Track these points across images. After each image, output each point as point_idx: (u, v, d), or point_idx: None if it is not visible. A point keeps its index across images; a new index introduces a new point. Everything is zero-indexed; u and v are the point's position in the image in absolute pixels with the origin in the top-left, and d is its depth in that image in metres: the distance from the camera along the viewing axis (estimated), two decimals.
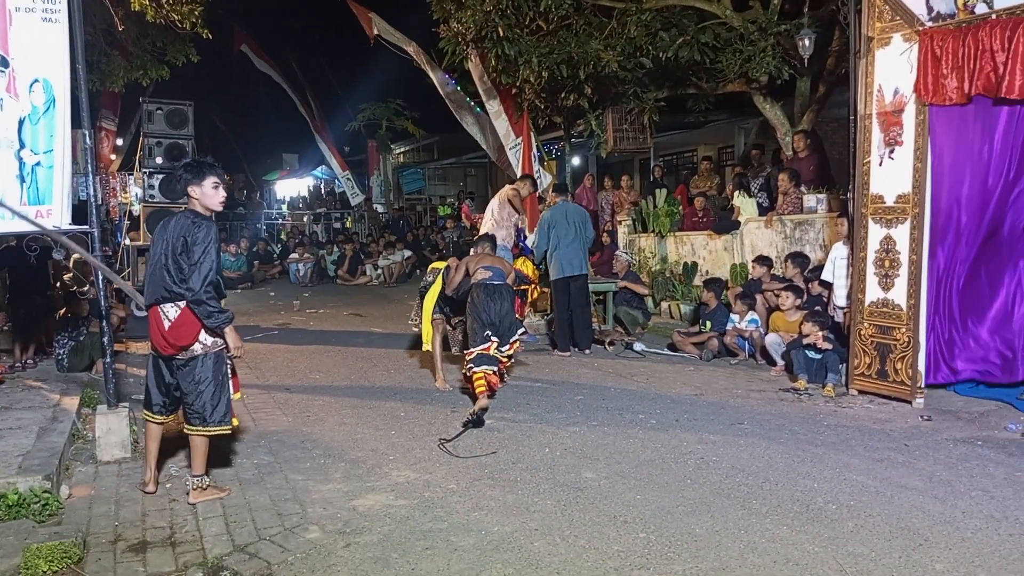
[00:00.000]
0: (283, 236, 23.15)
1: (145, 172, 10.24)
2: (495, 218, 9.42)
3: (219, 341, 4.23)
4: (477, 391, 6.18)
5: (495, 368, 6.29)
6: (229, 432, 4.41)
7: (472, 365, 6.21)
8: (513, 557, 3.54)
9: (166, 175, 10.10)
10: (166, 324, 4.12)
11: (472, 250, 7.16)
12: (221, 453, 5.11)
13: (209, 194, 4.18)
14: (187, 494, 4.28)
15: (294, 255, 18.51)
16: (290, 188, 31.96)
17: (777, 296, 7.73)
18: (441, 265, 7.12)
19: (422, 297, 7.02)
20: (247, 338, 9.82)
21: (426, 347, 6.97)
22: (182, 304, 4.09)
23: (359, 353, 8.76)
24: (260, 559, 3.58)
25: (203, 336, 4.16)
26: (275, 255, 19.95)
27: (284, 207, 28.63)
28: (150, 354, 4.35)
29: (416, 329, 7.30)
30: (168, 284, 4.09)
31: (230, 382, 4.35)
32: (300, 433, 5.58)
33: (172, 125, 10.20)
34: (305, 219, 25.15)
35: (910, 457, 4.86)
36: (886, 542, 3.64)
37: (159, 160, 10.07)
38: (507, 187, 9.79)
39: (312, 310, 12.82)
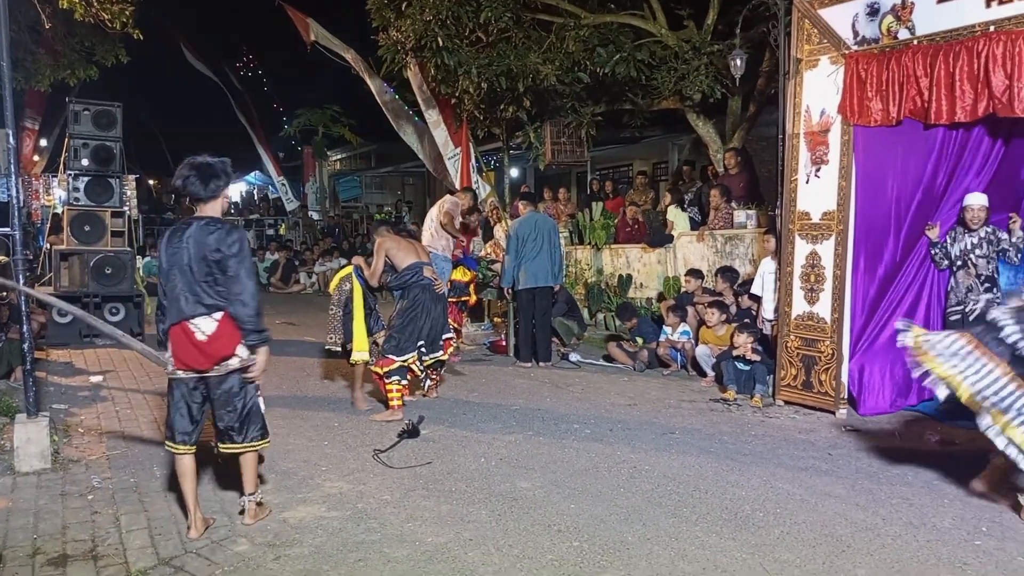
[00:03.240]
0: None
1: (70, 174, 9.89)
2: (434, 229, 9.37)
3: (252, 355, 3.92)
4: (392, 403, 6.16)
5: (407, 381, 6.30)
6: (268, 446, 4.10)
7: (391, 375, 6.17)
8: (447, 568, 3.53)
9: (93, 177, 9.78)
10: (201, 337, 3.78)
11: (378, 237, 6.66)
12: (146, 463, 4.97)
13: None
14: (240, 513, 4.02)
15: None
16: None
17: (706, 308, 7.90)
18: (348, 271, 6.65)
19: (346, 313, 6.49)
20: None
21: (360, 359, 6.41)
22: (218, 315, 3.79)
23: (292, 362, 8.62)
24: (186, 572, 3.48)
25: (240, 348, 3.86)
26: None
27: None
28: (173, 380, 3.91)
29: (337, 349, 6.64)
30: (202, 297, 3.77)
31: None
32: None
33: (99, 127, 9.85)
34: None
35: (834, 466, 5.02)
36: (810, 548, 3.75)
37: (85, 162, 9.74)
38: (448, 198, 9.73)
39: None
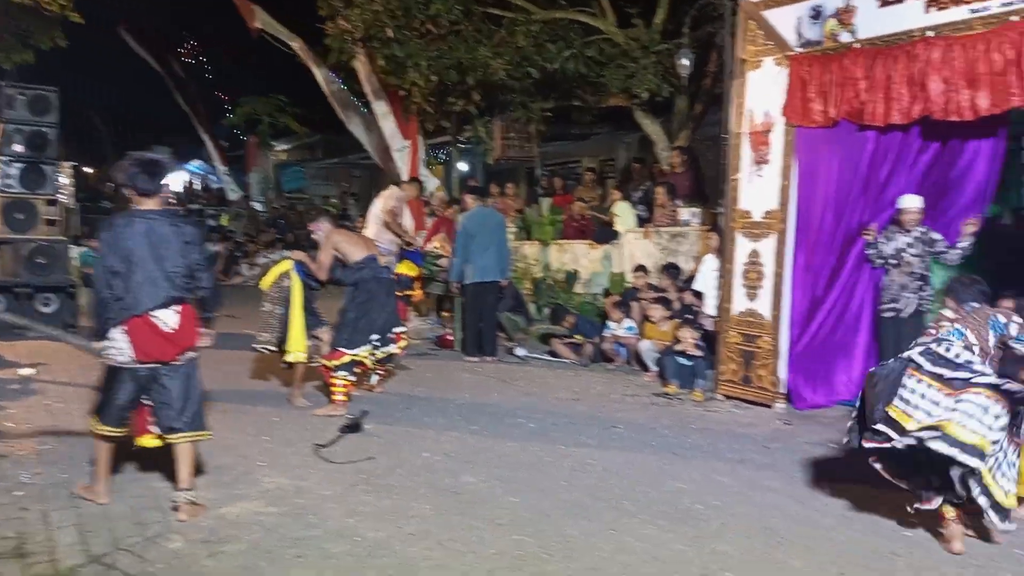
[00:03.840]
0: None
1: (3, 161, 9.54)
2: (379, 223, 9.28)
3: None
4: (336, 398, 6.07)
5: (354, 377, 6.22)
6: (209, 437, 4.22)
7: (340, 370, 6.07)
8: (387, 563, 3.49)
9: (27, 164, 9.45)
10: (168, 329, 3.91)
11: (318, 228, 6.43)
12: (77, 459, 4.81)
13: None
14: (174, 510, 3.96)
15: None
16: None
17: (650, 304, 7.99)
18: (286, 266, 6.33)
19: (284, 308, 6.20)
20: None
21: (298, 357, 6.20)
22: (178, 308, 3.94)
23: (231, 356, 8.39)
24: (117, 570, 3.39)
25: (200, 337, 4.09)
26: None
27: None
28: (121, 368, 3.93)
29: (273, 349, 6.31)
30: (168, 289, 3.90)
31: None
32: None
33: (35, 112, 9.52)
34: None
35: (771, 459, 5.12)
36: (747, 540, 3.81)
37: (18, 148, 9.41)
38: (393, 191, 9.66)
39: None
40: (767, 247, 6.36)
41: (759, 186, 6.40)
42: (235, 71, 25.89)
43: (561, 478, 4.67)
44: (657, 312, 7.73)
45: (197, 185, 27.73)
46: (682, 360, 7.01)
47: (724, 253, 6.75)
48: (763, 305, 6.40)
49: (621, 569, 3.47)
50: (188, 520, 3.90)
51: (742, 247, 6.55)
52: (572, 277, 10.76)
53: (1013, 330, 3.73)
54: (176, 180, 29.23)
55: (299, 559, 3.51)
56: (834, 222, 6.26)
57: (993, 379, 3.55)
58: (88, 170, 26.56)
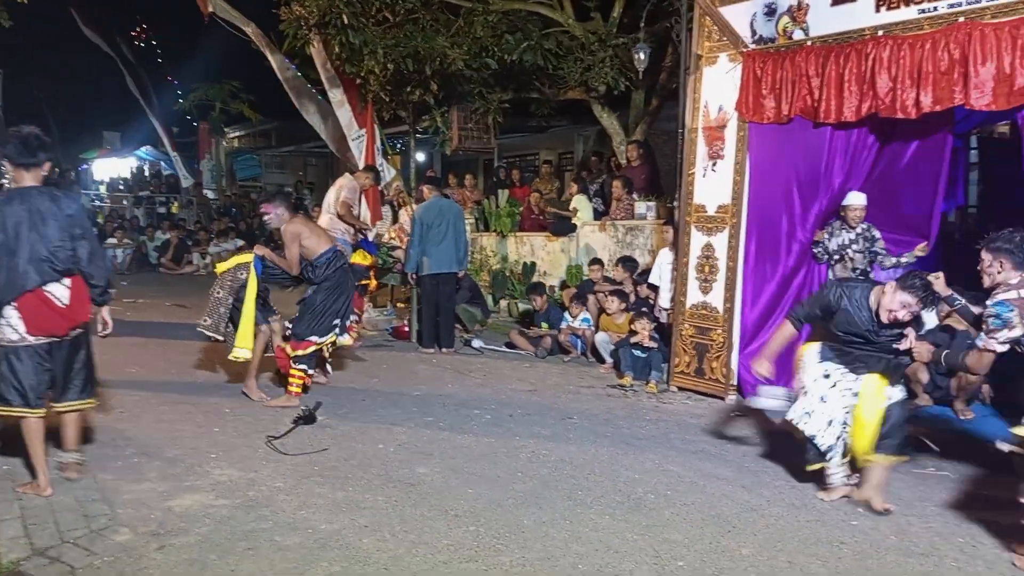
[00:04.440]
0: (100, 219, 21.49)
1: None
2: (333, 213, 9.16)
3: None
4: (291, 389, 5.99)
5: (313, 371, 6.17)
6: (96, 404, 4.47)
7: (303, 360, 5.97)
8: (340, 555, 3.47)
9: None
10: (60, 304, 4.00)
11: (272, 210, 6.19)
12: (19, 450, 4.68)
13: None
14: (62, 469, 4.20)
15: (112, 240, 17.22)
16: (110, 169, 29.76)
17: (606, 297, 8.05)
18: (247, 258, 6.12)
19: (238, 298, 6.02)
20: None
21: (244, 355, 5.95)
22: (68, 282, 4.00)
23: (182, 346, 8.27)
24: (62, 563, 3.31)
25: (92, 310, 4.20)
26: None
27: (102, 188, 26.60)
28: (23, 346, 3.96)
29: (218, 337, 6.10)
30: (56, 264, 3.95)
31: None
32: (111, 430, 5.19)
33: None
34: (125, 202, 23.45)
35: (722, 450, 5.20)
36: (698, 529, 3.87)
37: None
38: (348, 181, 9.53)
39: (130, 300, 11.95)
40: (720, 241, 6.45)
41: (713, 181, 6.48)
42: (187, 55, 25.31)
43: (516, 469, 4.69)
44: (613, 304, 7.80)
45: (147, 172, 27.11)
46: (637, 352, 7.08)
47: (678, 247, 6.82)
48: (716, 298, 6.49)
49: (575, 559, 3.50)
50: (77, 478, 4.15)
51: (696, 241, 6.63)
52: (530, 269, 10.78)
53: None
54: (125, 165, 28.62)
55: (250, 552, 3.47)
56: (786, 217, 6.34)
57: None
58: None
